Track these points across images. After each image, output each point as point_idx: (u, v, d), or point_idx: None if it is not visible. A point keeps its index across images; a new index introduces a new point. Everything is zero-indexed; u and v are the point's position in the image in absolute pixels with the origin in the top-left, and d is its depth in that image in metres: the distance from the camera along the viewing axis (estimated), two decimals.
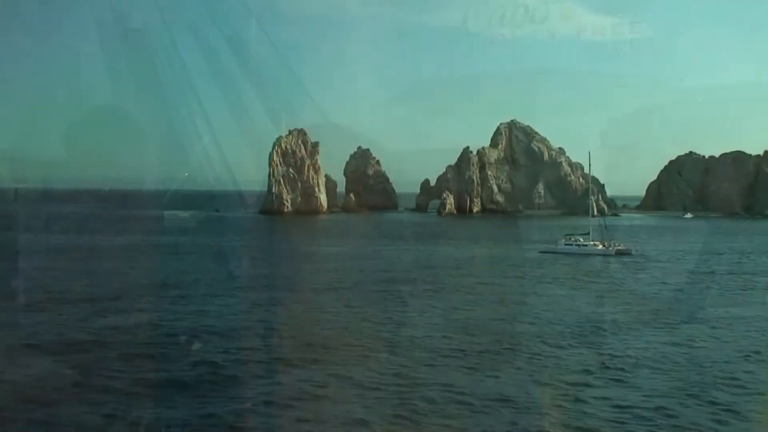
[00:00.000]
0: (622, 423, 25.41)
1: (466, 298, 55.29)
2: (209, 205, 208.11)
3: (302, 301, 52.73)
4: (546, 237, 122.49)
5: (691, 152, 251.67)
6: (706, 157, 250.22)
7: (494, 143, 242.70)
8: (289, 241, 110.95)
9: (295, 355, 34.40)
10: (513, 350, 37.03)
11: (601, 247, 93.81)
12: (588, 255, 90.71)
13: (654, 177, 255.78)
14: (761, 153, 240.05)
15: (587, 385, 30.34)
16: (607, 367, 33.21)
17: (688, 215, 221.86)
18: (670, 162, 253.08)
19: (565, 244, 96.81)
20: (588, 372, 32.44)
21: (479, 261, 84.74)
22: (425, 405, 27.07)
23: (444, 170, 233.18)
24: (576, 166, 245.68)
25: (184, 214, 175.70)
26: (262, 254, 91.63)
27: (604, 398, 28.38)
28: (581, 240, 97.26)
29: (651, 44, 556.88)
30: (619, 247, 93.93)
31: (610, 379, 31.36)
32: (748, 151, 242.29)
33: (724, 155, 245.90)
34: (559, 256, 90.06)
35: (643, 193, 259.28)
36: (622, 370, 32.74)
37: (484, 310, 49.94)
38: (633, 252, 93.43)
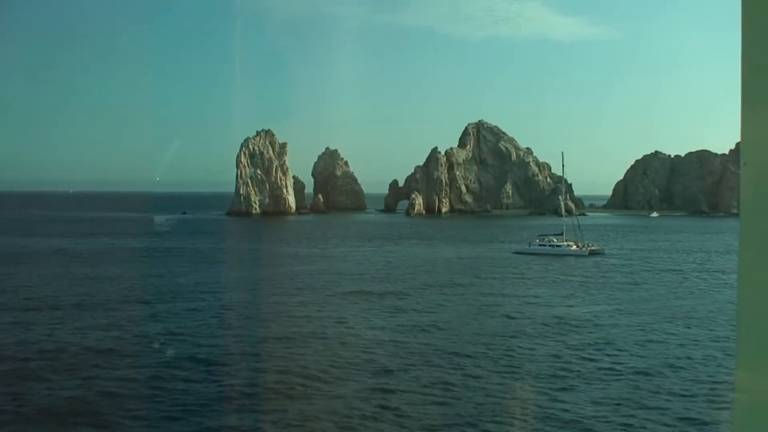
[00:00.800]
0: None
1: (442, 299, 54.42)
2: (176, 207, 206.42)
3: (266, 306, 51.41)
4: (517, 237, 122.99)
5: (656, 152, 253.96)
6: (672, 156, 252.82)
7: (462, 143, 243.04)
8: (255, 243, 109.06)
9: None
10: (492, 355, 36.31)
11: (574, 247, 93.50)
12: (562, 255, 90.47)
13: (621, 176, 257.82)
14: (726, 152, 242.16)
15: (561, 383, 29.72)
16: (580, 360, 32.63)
17: (654, 214, 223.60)
18: (636, 161, 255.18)
19: (539, 245, 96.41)
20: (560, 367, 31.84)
21: (453, 262, 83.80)
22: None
23: (412, 171, 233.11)
24: (543, 166, 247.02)
25: (161, 218, 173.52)
26: (228, 257, 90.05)
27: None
28: (555, 240, 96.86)
29: (617, 45, 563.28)
30: (593, 247, 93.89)
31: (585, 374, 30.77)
32: (714, 150, 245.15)
33: (689, 154, 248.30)
34: (534, 257, 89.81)
35: (610, 192, 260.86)
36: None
37: (465, 312, 49.13)
38: (606, 252, 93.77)
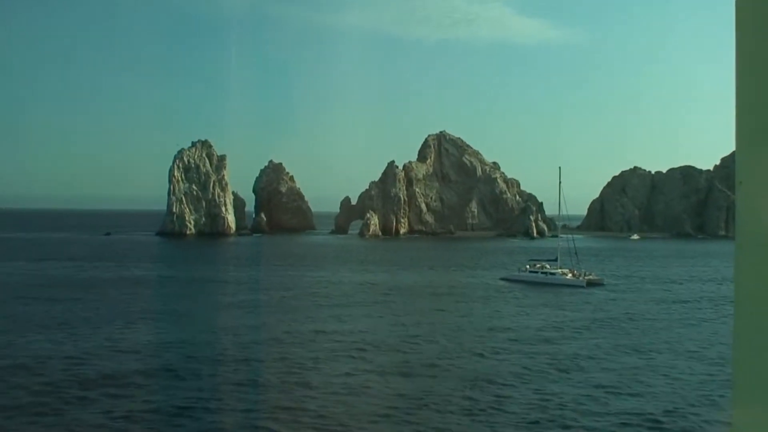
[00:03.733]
0: None
1: (413, 350, 48.92)
2: (100, 226, 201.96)
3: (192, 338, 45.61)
4: (487, 262, 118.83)
5: (636, 167, 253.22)
6: (653, 172, 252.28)
7: (422, 157, 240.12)
8: (188, 267, 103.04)
9: None
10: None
11: (570, 276, 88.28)
12: (555, 285, 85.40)
13: (596, 194, 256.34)
14: (711, 168, 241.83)
15: None
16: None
17: (635, 236, 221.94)
18: (614, 178, 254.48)
19: (530, 271, 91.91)
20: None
21: (422, 292, 78.43)
22: None
23: (367, 187, 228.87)
24: (512, 183, 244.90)
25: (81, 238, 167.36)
26: (153, 285, 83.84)
27: None
28: (548, 267, 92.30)
29: (584, 49, 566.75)
30: (590, 276, 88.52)
31: None
32: (698, 166, 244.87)
33: (672, 170, 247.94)
34: (523, 286, 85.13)
35: (584, 211, 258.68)
36: None
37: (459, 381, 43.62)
38: (605, 282, 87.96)
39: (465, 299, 72.56)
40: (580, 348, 46.84)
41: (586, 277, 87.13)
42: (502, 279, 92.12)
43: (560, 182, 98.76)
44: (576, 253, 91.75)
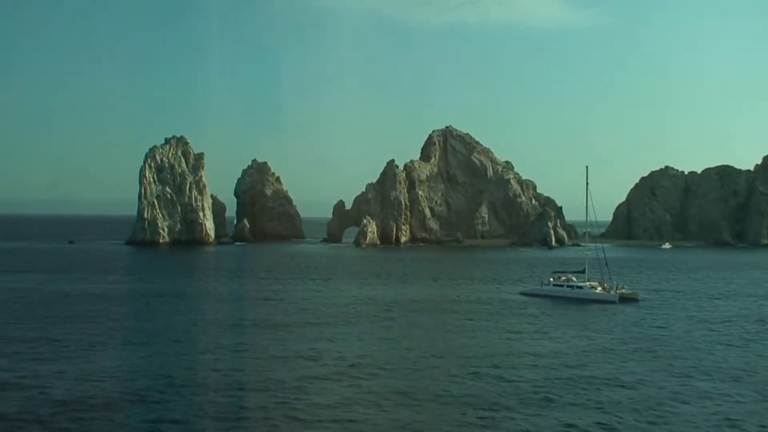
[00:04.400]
0: None
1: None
2: (60, 234, 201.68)
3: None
4: (505, 274, 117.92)
5: (667, 167, 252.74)
6: (686, 173, 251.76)
7: (426, 155, 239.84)
8: (161, 280, 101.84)
9: None
10: None
11: (600, 289, 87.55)
12: (584, 300, 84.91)
13: (623, 198, 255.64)
14: (752, 167, 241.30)
15: None
16: None
17: (667, 245, 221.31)
18: (642, 179, 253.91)
19: (554, 285, 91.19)
20: None
21: (426, 308, 77.28)
22: None
23: (363, 190, 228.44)
24: (527, 184, 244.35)
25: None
26: (122, 300, 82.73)
27: None
28: (574, 279, 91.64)
29: (608, 32, 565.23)
30: (623, 290, 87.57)
31: None
32: (738, 166, 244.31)
33: (707, 170, 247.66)
34: (547, 301, 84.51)
35: (609, 217, 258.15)
36: None
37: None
38: (640, 297, 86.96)
39: (478, 317, 71.35)
40: (614, 372, 45.76)
41: (618, 291, 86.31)
42: (522, 293, 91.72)
43: (587, 183, 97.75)
44: (606, 264, 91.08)
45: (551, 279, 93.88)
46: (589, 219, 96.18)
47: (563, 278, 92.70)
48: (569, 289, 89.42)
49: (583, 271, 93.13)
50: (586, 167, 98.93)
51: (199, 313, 72.08)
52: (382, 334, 60.52)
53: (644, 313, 75.56)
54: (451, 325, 65.93)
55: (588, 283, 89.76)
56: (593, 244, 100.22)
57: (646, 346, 56.00)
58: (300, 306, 77.43)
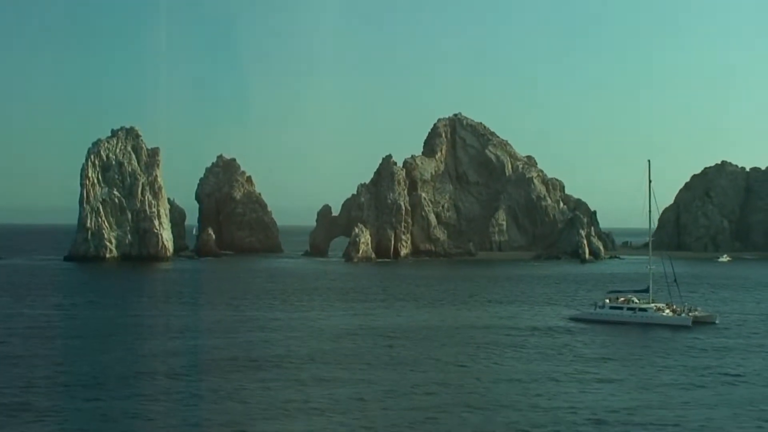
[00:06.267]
0: None
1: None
2: None
3: None
4: (537, 293, 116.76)
5: (724, 162, 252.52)
6: (748, 169, 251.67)
7: (430, 150, 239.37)
8: (106, 305, 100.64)
9: None
10: None
11: (668, 312, 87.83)
12: (650, 326, 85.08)
13: (670, 200, 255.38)
14: None
15: None
16: None
17: (724, 257, 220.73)
18: (694, 178, 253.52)
19: (611, 307, 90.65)
20: None
21: (439, 337, 75.30)
22: None
23: (354, 192, 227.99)
24: (553, 184, 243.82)
25: None
26: (56, 330, 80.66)
27: None
28: (636, 300, 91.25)
29: (657, 4, 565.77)
30: (697, 312, 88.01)
31: None
32: None
33: None
34: (604, 329, 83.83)
35: (654, 224, 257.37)
36: None
37: None
38: (718, 321, 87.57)
39: (524, 354, 68.80)
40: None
41: (691, 314, 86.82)
42: (573, 318, 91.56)
43: (650, 181, 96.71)
44: (676, 281, 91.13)
45: (607, 300, 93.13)
46: (652, 225, 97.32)
47: (621, 299, 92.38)
48: (631, 312, 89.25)
49: (646, 290, 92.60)
50: (648, 161, 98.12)
51: (147, 347, 70.28)
52: (383, 374, 58.12)
53: (724, 340, 75.99)
54: (470, 362, 63.67)
55: (654, 304, 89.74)
56: (659, 257, 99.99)
57: (734, 380, 55.91)
58: (277, 338, 75.36)
